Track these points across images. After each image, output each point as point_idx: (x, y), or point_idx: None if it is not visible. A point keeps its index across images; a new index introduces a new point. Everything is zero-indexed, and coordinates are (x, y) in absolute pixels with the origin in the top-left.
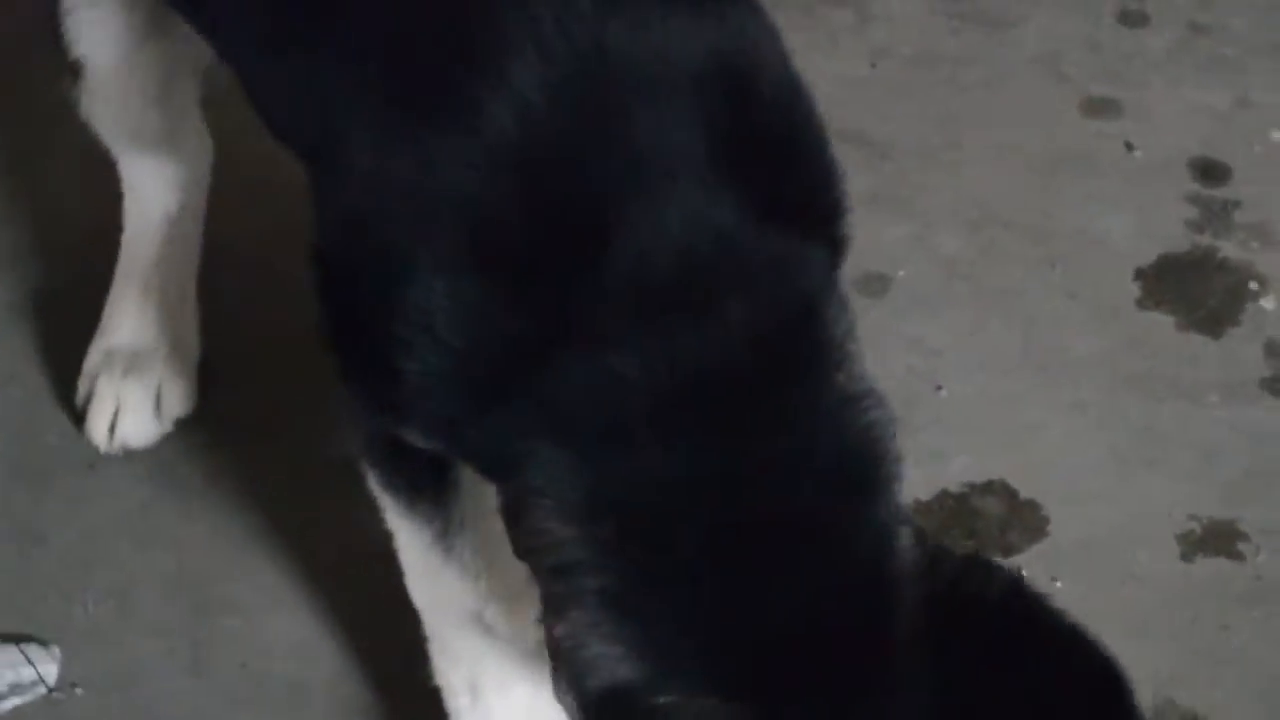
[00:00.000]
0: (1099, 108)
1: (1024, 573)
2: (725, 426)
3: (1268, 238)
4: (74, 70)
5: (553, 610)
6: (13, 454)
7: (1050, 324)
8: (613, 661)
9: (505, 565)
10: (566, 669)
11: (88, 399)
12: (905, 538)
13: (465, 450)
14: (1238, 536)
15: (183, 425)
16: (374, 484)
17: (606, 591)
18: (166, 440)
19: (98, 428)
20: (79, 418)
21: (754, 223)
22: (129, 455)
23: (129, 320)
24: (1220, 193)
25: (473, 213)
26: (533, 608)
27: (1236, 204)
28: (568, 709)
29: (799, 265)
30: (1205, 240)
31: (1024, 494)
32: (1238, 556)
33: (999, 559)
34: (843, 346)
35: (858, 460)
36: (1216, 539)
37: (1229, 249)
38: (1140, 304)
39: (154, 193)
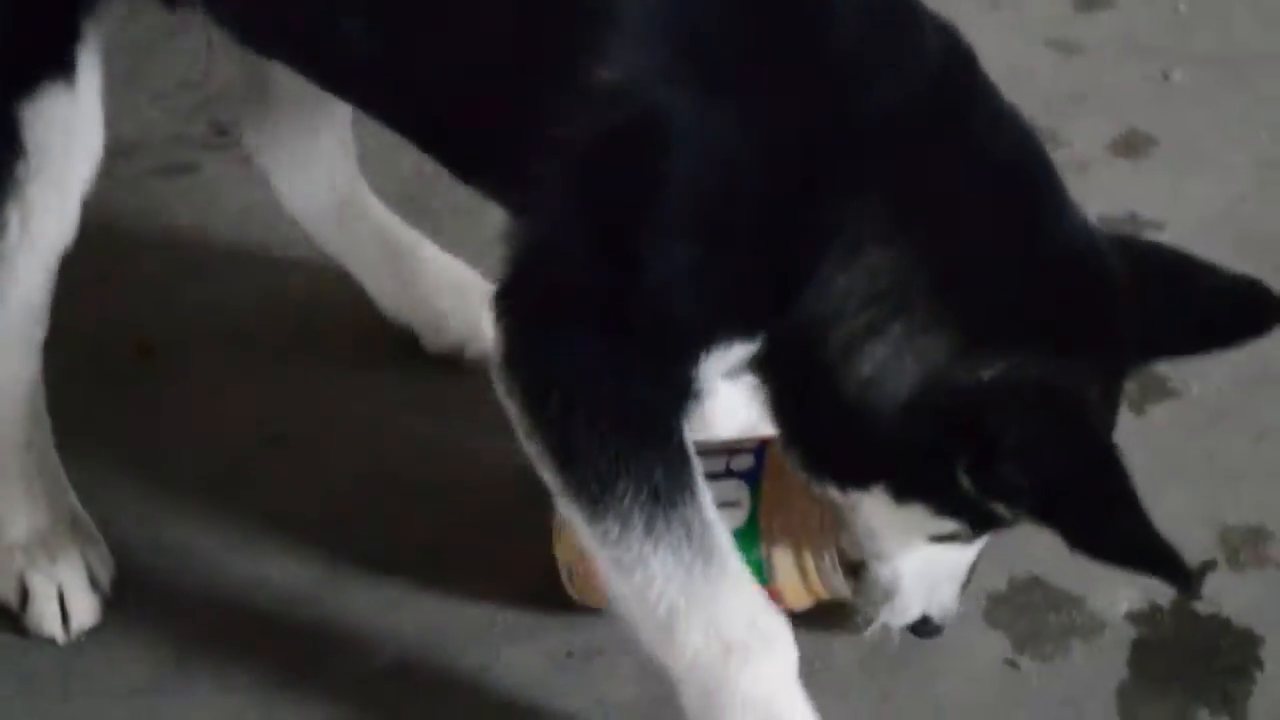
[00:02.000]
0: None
1: None
2: (965, 144)
3: None
4: None
5: (868, 334)
6: None
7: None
8: (936, 353)
9: None
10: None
11: (23, 599)
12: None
13: (764, 297)
14: None
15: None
16: (635, 524)
17: (925, 290)
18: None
19: (49, 623)
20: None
21: None
22: None
23: (22, 509)
24: None
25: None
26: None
27: None
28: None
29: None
30: None
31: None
32: None
33: None
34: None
35: (1040, 167)
36: None
37: None
38: None
39: (15, 364)
